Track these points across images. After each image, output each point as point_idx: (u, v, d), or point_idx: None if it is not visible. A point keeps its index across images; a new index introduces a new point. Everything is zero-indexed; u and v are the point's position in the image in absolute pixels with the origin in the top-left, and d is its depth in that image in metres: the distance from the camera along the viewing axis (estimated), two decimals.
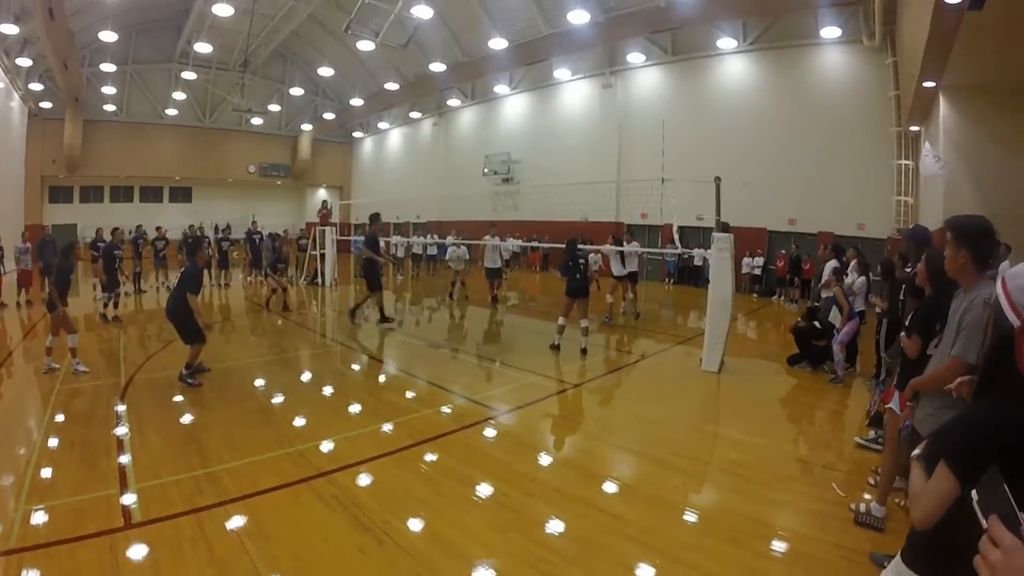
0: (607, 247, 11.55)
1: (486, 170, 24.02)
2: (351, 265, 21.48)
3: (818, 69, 15.89)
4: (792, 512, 3.79)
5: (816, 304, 8.02)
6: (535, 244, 17.36)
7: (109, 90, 26.26)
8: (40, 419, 5.58)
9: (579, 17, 17.11)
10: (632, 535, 3.45)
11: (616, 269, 10.98)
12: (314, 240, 17.38)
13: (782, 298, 15.22)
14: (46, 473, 4.34)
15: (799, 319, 8.03)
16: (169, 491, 4.02)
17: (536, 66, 21.92)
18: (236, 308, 13.50)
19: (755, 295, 15.83)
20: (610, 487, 4.10)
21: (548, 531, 3.49)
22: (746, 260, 15.94)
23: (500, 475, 4.24)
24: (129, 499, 3.89)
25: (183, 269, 6.92)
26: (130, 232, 15.85)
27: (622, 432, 5.28)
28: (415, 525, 3.54)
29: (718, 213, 7.67)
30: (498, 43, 19.58)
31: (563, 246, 8.60)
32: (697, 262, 16.49)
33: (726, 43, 17.38)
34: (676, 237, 8.98)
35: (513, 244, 17.42)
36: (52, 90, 24.64)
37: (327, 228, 16.80)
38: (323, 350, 9.17)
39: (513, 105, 24.57)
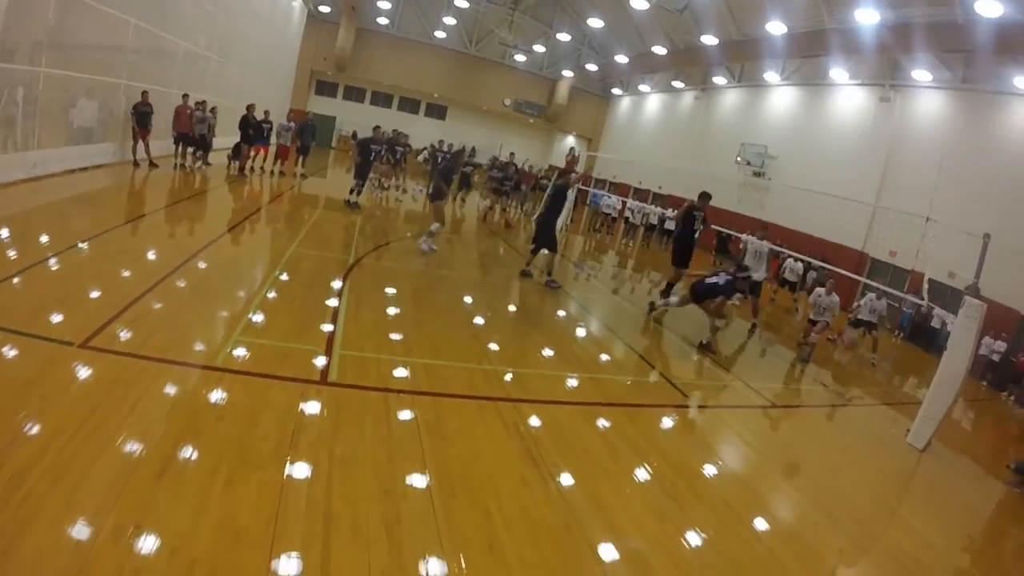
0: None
1: (739, 159, 22.38)
2: (584, 214, 21.89)
3: None
4: None
5: None
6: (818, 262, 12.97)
7: (384, 4, 29.04)
8: (270, 274, 6.54)
9: (867, 16, 14.85)
10: None
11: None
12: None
13: (1012, 398, 12.16)
14: (264, 317, 5.09)
15: None
16: (368, 366, 4.51)
17: (811, 61, 19.74)
18: (468, 226, 14.36)
19: (984, 383, 12.89)
20: (775, 520, 3.78)
21: (701, 537, 3.29)
22: (986, 340, 12.96)
23: (676, 464, 4.11)
24: (331, 361, 4.41)
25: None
26: (386, 134, 17.11)
27: (806, 472, 4.86)
28: (581, 478, 3.55)
29: (977, 276, 6.72)
30: (776, 27, 17.92)
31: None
32: (935, 323, 13.95)
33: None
34: (925, 288, 7.96)
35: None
36: None
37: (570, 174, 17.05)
38: (538, 287, 9.20)
39: (780, 97, 22.45)
